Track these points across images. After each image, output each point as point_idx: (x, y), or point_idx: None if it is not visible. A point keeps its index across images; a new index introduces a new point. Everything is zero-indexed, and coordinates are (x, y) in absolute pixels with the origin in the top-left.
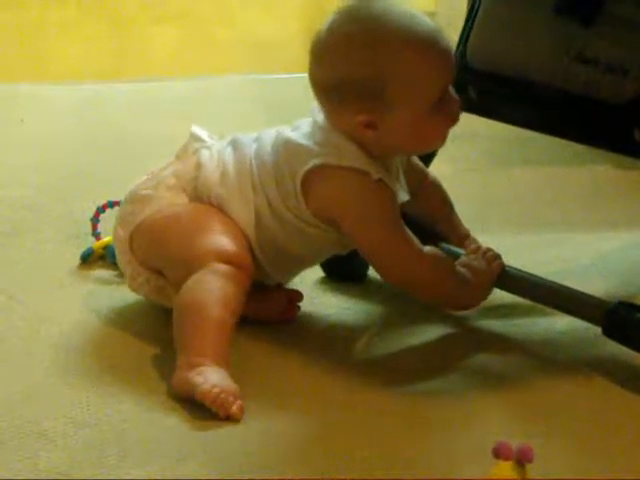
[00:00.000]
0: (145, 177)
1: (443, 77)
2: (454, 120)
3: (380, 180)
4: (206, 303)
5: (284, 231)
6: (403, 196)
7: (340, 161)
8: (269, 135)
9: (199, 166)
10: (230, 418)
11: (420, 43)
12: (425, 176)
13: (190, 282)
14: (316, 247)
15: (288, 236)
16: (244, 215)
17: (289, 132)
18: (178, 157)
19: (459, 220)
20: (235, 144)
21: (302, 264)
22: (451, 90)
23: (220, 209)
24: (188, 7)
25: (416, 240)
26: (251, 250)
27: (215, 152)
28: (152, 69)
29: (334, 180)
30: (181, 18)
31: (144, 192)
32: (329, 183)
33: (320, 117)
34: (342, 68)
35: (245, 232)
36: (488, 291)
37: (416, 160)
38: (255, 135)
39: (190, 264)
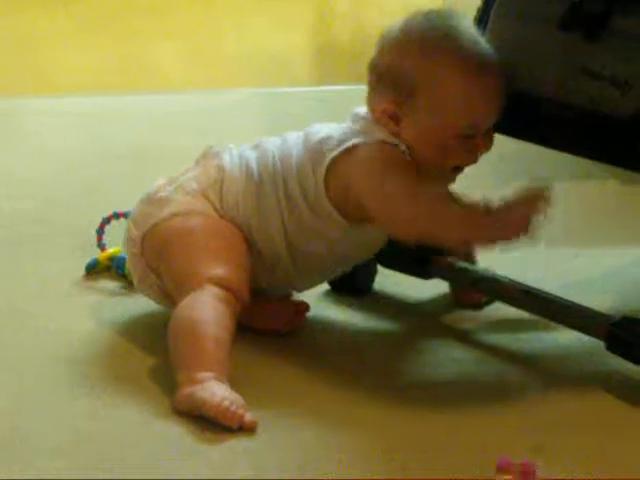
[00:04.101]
0: (162, 181)
1: (474, 117)
2: (467, 161)
3: (405, 152)
4: (203, 321)
5: (304, 234)
6: None
7: (370, 139)
8: (294, 134)
9: (221, 169)
10: (244, 428)
11: (468, 78)
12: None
13: (186, 301)
14: (334, 248)
15: (309, 240)
16: (273, 230)
17: (322, 128)
18: (197, 162)
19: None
20: (257, 145)
21: (328, 268)
22: (487, 134)
23: (247, 222)
24: (196, 20)
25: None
26: (277, 265)
27: (236, 154)
28: (160, 82)
29: (361, 153)
30: (189, 31)
31: (162, 194)
32: (354, 157)
33: (361, 109)
34: (395, 59)
35: (276, 246)
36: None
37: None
38: (279, 137)
39: (188, 281)
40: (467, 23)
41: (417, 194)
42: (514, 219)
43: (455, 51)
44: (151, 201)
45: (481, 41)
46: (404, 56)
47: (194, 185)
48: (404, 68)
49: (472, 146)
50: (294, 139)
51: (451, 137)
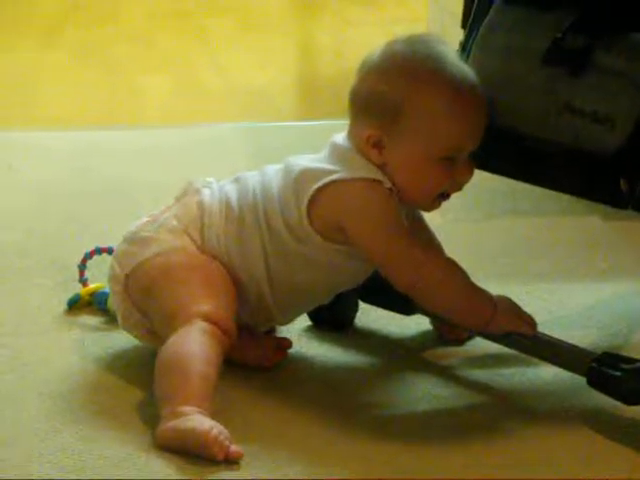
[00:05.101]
0: (145, 219)
1: (458, 138)
2: (451, 187)
3: (390, 189)
4: (191, 356)
5: (289, 266)
6: None
7: (353, 174)
8: (273, 167)
9: (201, 205)
10: (228, 459)
11: (451, 99)
12: (432, 242)
13: (175, 337)
14: (321, 275)
15: (295, 271)
16: (256, 263)
17: (301, 160)
18: (177, 200)
19: None
20: (237, 179)
21: (312, 300)
22: (468, 160)
23: (229, 258)
24: (180, 56)
25: (422, 243)
26: (261, 299)
27: (216, 189)
28: (143, 117)
29: (346, 191)
30: (173, 66)
31: (145, 234)
32: (340, 195)
33: (339, 138)
34: (377, 84)
35: (259, 278)
36: (508, 323)
37: (428, 227)
38: (258, 171)
39: (175, 318)
40: (448, 47)
41: (425, 255)
42: (510, 318)
43: (438, 72)
44: (134, 240)
45: (462, 63)
46: (387, 80)
47: (175, 223)
48: (387, 92)
49: (455, 171)
50: (274, 171)
51: (435, 160)
